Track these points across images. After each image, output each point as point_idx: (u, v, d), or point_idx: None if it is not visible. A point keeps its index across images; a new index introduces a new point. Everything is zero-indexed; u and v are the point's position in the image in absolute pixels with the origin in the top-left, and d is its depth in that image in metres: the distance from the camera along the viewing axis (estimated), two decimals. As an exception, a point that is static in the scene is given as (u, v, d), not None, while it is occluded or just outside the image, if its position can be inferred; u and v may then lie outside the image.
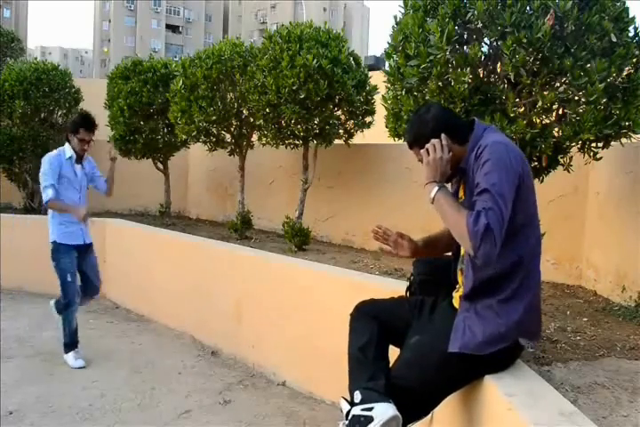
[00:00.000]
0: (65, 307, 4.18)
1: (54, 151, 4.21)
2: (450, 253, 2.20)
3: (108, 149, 4.50)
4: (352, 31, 61.47)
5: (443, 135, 2.00)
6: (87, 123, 4.19)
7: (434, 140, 2.00)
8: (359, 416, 1.88)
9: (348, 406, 1.94)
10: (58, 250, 4.17)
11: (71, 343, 4.23)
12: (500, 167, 1.82)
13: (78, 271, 4.28)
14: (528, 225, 1.92)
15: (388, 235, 2.34)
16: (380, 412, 1.85)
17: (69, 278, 4.14)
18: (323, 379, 3.67)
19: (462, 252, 2.04)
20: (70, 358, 4.18)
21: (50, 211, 4.22)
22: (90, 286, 4.37)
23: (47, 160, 4.13)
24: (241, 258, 4.59)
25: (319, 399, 3.69)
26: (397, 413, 1.86)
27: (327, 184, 6.09)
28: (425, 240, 2.34)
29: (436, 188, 1.95)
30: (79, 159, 4.24)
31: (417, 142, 2.08)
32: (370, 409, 1.87)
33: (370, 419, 1.85)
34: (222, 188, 7.87)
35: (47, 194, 4.06)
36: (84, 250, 4.28)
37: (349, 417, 1.91)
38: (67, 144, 4.22)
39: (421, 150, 2.03)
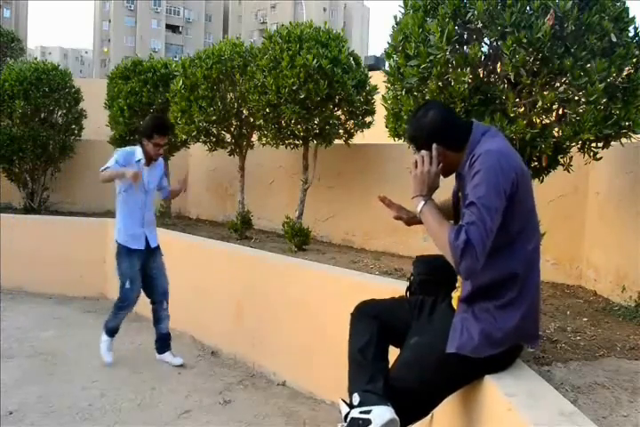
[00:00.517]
0: (118, 308, 4.16)
1: (128, 148, 4.12)
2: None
3: (183, 177, 4.47)
4: (352, 31, 61.46)
5: (435, 146, 1.99)
6: (161, 127, 4.03)
7: (423, 152, 1.99)
8: (357, 419, 1.88)
9: (347, 409, 1.94)
10: (119, 252, 4.09)
11: (110, 330, 4.25)
12: (490, 178, 1.81)
13: (145, 275, 4.17)
14: (525, 230, 1.92)
15: (390, 204, 2.38)
16: (377, 415, 1.85)
17: (128, 285, 4.04)
18: (323, 379, 3.67)
19: None
20: (106, 341, 4.24)
21: (120, 212, 4.12)
22: (157, 290, 4.23)
23: (118, 153, 4.03)
24: (241, 258, 4.60)
25: (319, 399, 3.69)
26: (395, 416, 1.86)
27: (327, 184, 6.09)
28: None
29: (422, 202, 1.96)
30: (148, 162, 4.11)
31: (413, 143, 2.09)
32: (368, 412, 1.87)
33: (368, 422, 1.85)
34: (222, 188, 7.87)
35: (106, 165, 3.94)
36: (149, 254, 4.16)
37: (348, 420, 1.91)
38: (138, 147, 4.08)
39: (411, 161, 2.03)
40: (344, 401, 1.99)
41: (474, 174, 1.84)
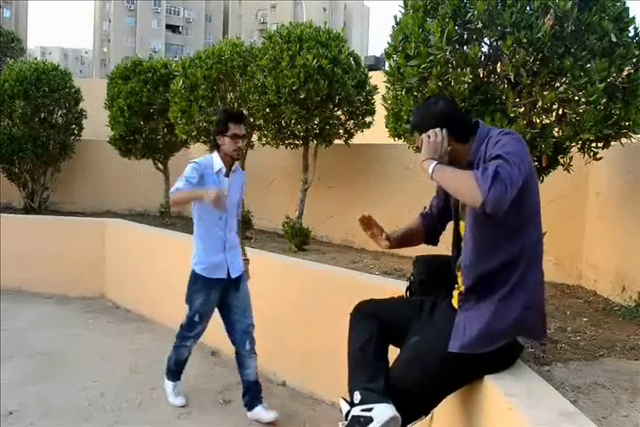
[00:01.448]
0: (181, 338, 3.47)
1: (201, 158, 3.31)
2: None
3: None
4: (352, 31, 61.44)
5: (444, 130, 1.99)
6: (235, 115, 3.33)
7: (436, 129, 1.99)
8: (359, 417, 1.88)
9: (348, 407, 1.95)
10: (195, 282, 3.34)
11: (174, 371, 3.59)
12: (515, 146, 1.82)
13: (223, 306, 3.41)
14: (534, 217, 1.94)
15: (369, 224, 2.39)
16: (379, 413, 1.85)
17: (197, 319, 3.35)
18: (323, 379, 3.66)
19: (461, 252, 2.04)
20: (169, 388, 3.59)
21: (196, 232, 3.37)
22: (237, 328, 3.40)
23: (190, 166, 3.23)
24: (241, 258, 4.59)
25: (319, 399, 3.69)
26: (397, 413, 1.86)
27: (327, 184, 6.09)
28: (399, 236, 2.36)
29: (434, 163, 1.91)
30: (229, 170, 3.34)
31: (418, 129, 2.08)
32: (369, 410, 1.87)
33: (369, 420, 1.85)
34: (222, 188, 7.86)
35: (176, 186, 3.14)
36: (231, 284, 3.36)
37: (349, 418, 1.92)
38: (215, 153, 3.31)
39: (422, 135, 2.02)
40: (345, 400, 1.99)
41: (497, 141, 1.84)
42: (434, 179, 1.92)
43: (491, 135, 1.93)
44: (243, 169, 6.28)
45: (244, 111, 5.97)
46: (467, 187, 1.76)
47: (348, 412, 1.93)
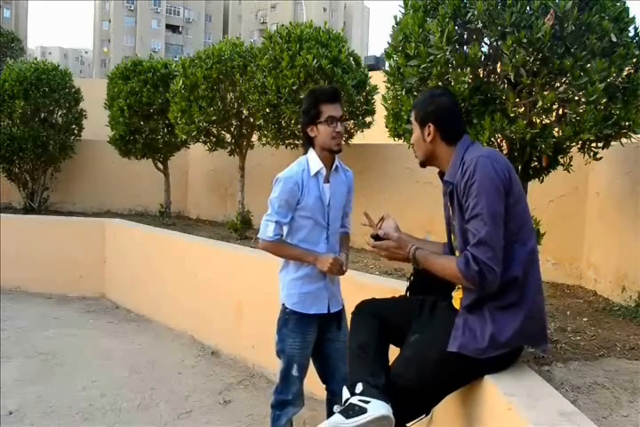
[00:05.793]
0: (279, 405, 2.62)
1: (292, 166, 2.63)
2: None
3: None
4: (352, 31, 61.46)
5: (431, 126, 2.05)
6: (325, 92, 2.54)
7: (376, 242, 2.10)
8: (355, 405, 1.91)
9: (349, 395, 1.97)
10: (286, 322, 2.57)
11: None
12: (487, 185, 1.86)
13: (317, 354, 2.67)
14: (522, 231, 1.94)
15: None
16: (374, 407, 1.87)
17: (295, 372, 2.56)
18: (323, 379, 3.66)
19: (457, 253, 2.05)
20: None
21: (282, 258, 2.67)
22: (335, 375, 2.66)
23: (281, 182, 2.61)
24: (241, 258, 4.60)
25: (319, 399, 3.68)
26: (391, 415, 1.87)
27: (327, 184, 6.08)
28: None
29: (412, 257, 2.04)
30: (329, 172, 2.63)
31: (415, 110, 2.16)
32: (367, 402, 1.89)
33: (364, 410, 1.88)
34: (222, 188, 7.86)
35: (264, 230, 2.53)
36: (329, 322, 2.63)
37: (346, 404, 1.94)
38: (310, 152, 2.61)
39: (375, 244, 2.13)
40: (348, 388, 2.01)
41: (470, 185, 1.88)
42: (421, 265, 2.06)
43: (464, 160, 1.96)
44: (243, 169, 6.29)
45: (244, 111, 5.97)
46: (457, 281, 1.95)
47: (348, 399, 1.96)
